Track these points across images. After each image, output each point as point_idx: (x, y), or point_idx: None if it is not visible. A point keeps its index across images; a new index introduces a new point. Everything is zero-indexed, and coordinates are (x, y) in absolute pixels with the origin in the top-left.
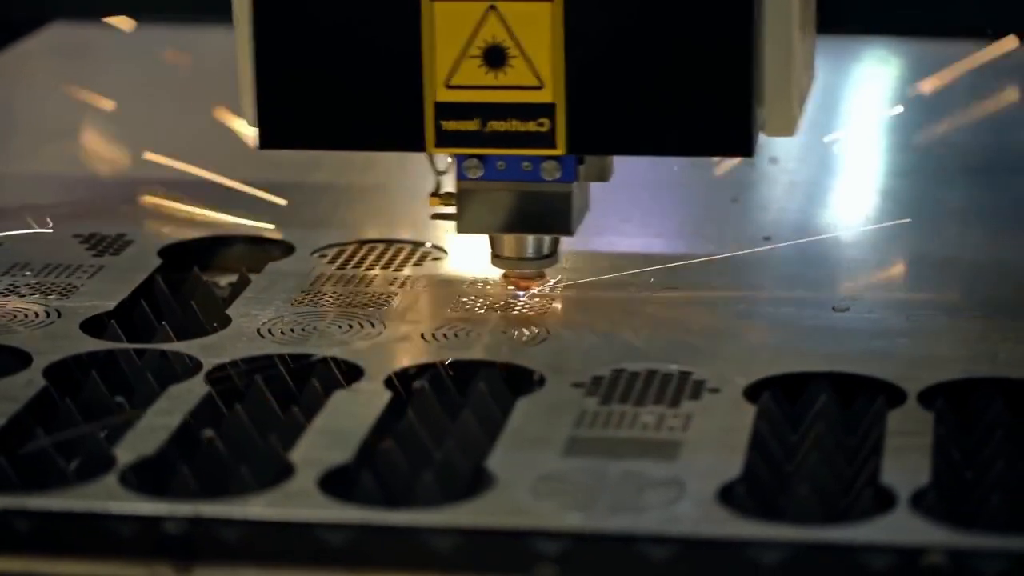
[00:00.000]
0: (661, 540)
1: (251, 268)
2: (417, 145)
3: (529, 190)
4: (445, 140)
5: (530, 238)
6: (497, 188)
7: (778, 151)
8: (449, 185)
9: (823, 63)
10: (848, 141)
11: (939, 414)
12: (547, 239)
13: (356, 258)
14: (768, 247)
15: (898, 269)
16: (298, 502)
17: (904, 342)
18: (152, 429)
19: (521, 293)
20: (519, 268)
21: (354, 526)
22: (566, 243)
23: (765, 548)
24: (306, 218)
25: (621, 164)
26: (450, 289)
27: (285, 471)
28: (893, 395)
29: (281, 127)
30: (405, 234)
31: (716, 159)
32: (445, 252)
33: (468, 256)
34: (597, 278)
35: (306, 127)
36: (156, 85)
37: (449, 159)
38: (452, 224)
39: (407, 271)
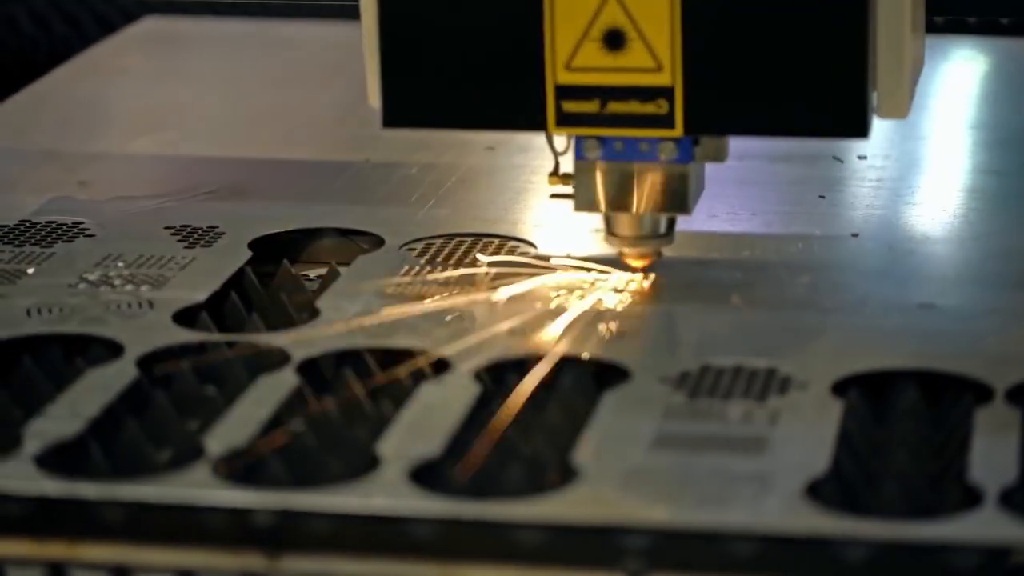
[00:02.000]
0: (747, 536)
1: (341, 261)
2: (538, 125)
3: (647, 170)
4: (565, 121)
5: (647, 217)
6: (615, 168)
7: (866, 148)
8: (567, 166)
9: None
10: (937, 138)
11: None
12: (663, 218)
13: (445, 252)
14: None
15: (985, 266)
16: (386, 494)
17: (991, 339)
18: (243, 420)
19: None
20: (636, 247)
21: (442, 519)
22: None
23: (851, 545)
24: (395, 211)
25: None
26: (538, 285)
27: (373, 463)
28: (980, 392)
29: (405, 106)
30: (494, 229)
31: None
32: (534, 246)
33: (556, 250)
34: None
35: (429, 106)
36: (249, 78)
37: (566, 140)
38: (537, 219)
39: (495, 266)
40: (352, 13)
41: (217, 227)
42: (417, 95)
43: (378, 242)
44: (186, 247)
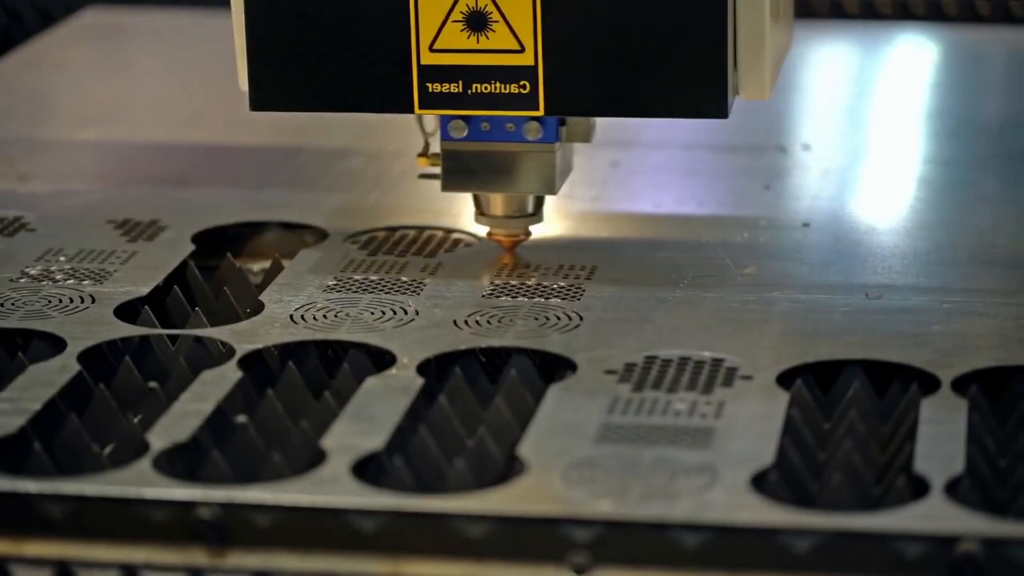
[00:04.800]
0: (693, 527)
1: (284, 254)
2: (404, 107)
3: (512, 150)
4: (430, 102)
5: (513, 197)
6: (481, 148)
7: (811, 138)
8: (437, 146)
9: (857, 47)
10: (883, 127)
11: (973, 401)
12: (531, 198)
13: (388, 244)
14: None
15: (932, 256)
16: (330, 488)
17: (938, 329)
18: (185, 415)
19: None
20: (504, 227)
21: (386, 512)
22: (600, 230)
23: (797, 535)
24: (339, 205)
25: (653, 151)
26: (482, 276)
27: (317, 457)
28: (927, 382)
29: (272, 90)
30: (437, 221)
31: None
32: (477, 239)
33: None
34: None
35: (296, 90)
36: (189, 68)
37: (436, 121)
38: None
39: (439, 257)
40: None
41: (160, 220)
42: (284, 78)
43: (321, 235)
44: (128, 241)
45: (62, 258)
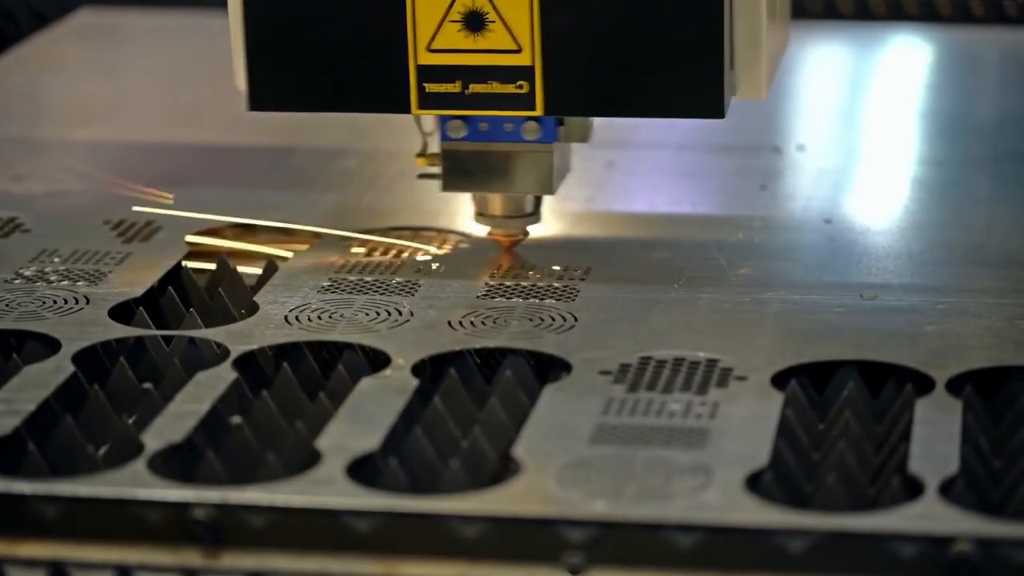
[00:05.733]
0: (688, 528)
1: (279, 255)
2: (402, 107)
3: (510, 150)
4: (428, 102)
5: (512, 197)
6: (479, 148)
7: (805, 139)
8: (435, 146)
9: (851, 47)
10: (877, 128)
11: (967, 402)
12: (529, 198)
13: (383, 245)
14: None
15: (926, 256)
16: (325, 489)
17: (932, 330)
18: (180, 415)
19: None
20: (503, 227)
21: (381, 513)
22: (597, 230)
23: (792, 536)
24: (333, 205)
25: (648, 151)
26: (477, 276)
27: (312, 458)
28: (921, 383)
29: (270, 90)
30: (433, 221)
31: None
32: (472, 239)
33: (495, 243)
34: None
35: (294, 90)
36: (183, 69)
37: (434, 121)
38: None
39: (434, 258)
40: None
41: (154, 221)
42: (283, 78)
43: (316, 235)
44: (123, 242)
45: (56, 259)
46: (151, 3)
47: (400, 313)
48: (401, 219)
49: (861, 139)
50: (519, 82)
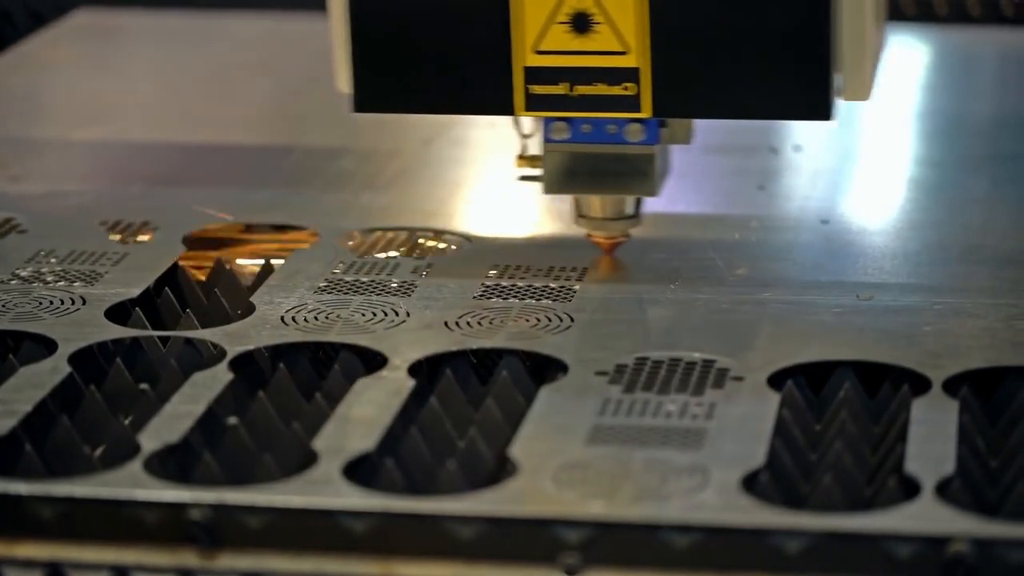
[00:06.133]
0: (684, 528)
1: (275, 255)
2: (507, 109)
3: (614, 152)
4: (534, 104)
5: (614, 199)
6: (582, 150)
7: (802, 139)
8: (534, 148)
9: None
10: (873, 129)
11: (964, 402)
12: (630, 200)
13: (379, 245)
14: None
15: (922, 257)
16: (321, 490)
17: (929, 330)
18: (176, 416)
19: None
20: (603, 228)
21: (377, 513)
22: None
23: (788, 536)
24: (331, 206)
25: None
26: (473, 276)
27: (309, 459)
28: (918, 383)
29: (375, 91)
30: (430, 222)
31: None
32: (468, 240)
33: (491, 243)
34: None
35: (399, 91)
36: (179, 69)
37: (533, 122)
38: (473, 212)
39: (430, 259)
40: (281, 4)
41: (151, 221)
42: (387, 80)
43: (313, 235)
44: (119, 242)
45: (53, 259)
46: (148, 3)
47: (397, 314)
48: (399, 219)
49: (858, 139)
50: (625, 84)
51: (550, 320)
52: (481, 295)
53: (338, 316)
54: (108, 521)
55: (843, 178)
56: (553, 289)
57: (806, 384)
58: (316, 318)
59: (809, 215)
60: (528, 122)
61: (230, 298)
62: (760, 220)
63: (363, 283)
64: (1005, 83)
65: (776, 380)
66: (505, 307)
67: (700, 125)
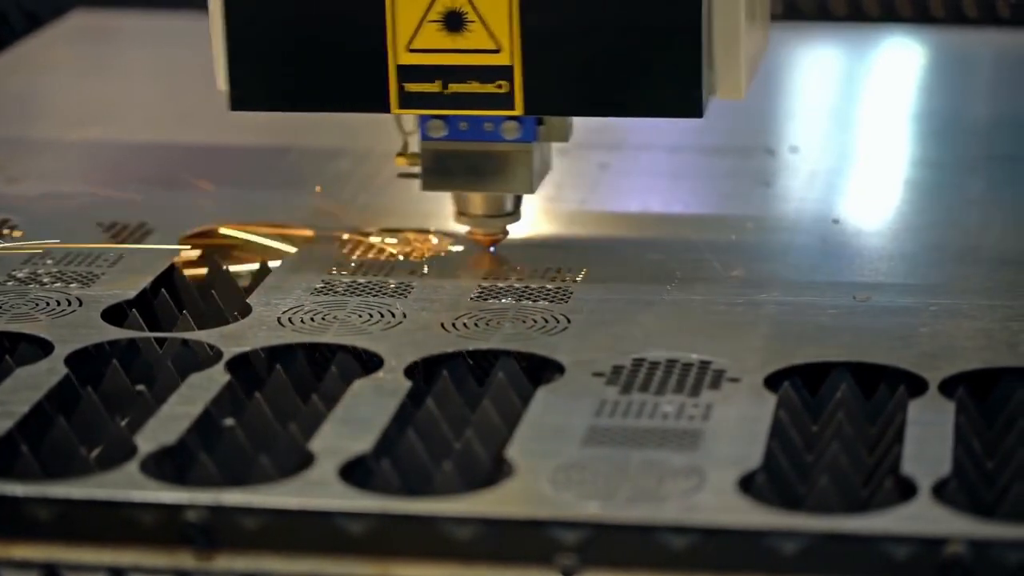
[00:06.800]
0: (681, 529)
1: (272, 257)
2: (381, 107)
3: (490, 149)
4: (408, 102)
5: (492, 196)
6: (459, 148)
7: (799, 140)
8: (416, 145)
9: (844, 49)
10: (870, 130)
11: (960, 403)
12: (510, 197)
13: (376, 247)
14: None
15: (919, 258)
16: (318, 491)
17: (925, 331)
18: (173, 417)
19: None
20: (483, 226)
21: (374, 515)
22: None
23: (785, 538)
24: (327, 204)
25: (642, 153)
26: (469, 277)
27: (305, 460)
28: (914, 384)
29: (251, 90)
30: (426, 223)
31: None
32: (465, 241)
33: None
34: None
35: (275, 90)
36: (176, 70)
37: (414, 120)
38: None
39: (426, 260)
40: None
41: (147, 223)
42: (264, 79)
43: (309, 237)
44: (116, 243)
45: (49, 261)
46: (144, 4)
47: (393, 315)
48: (397, 220)
49: (854, 141)
50: (499, 82)
51: (547, 321)
52: (478, 296)
53: (335, 317)
54: (104, 522)
55: (840, 179)
56: (549, 290)
57: (802, 385)
58: (313, 319)
59: (805, 216)
60: (410, 120)
61: (227, 299)
62: (756, 221)
63: (360, 284)
64: (1002, 84)
65: (772, 381)
66: (501, 308)
67: (699, 125)
